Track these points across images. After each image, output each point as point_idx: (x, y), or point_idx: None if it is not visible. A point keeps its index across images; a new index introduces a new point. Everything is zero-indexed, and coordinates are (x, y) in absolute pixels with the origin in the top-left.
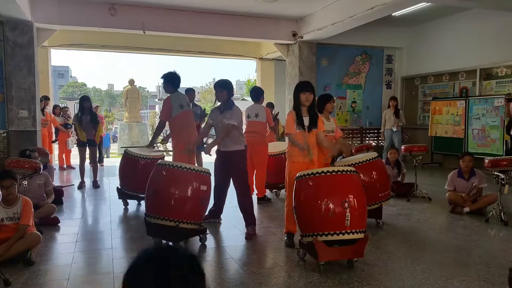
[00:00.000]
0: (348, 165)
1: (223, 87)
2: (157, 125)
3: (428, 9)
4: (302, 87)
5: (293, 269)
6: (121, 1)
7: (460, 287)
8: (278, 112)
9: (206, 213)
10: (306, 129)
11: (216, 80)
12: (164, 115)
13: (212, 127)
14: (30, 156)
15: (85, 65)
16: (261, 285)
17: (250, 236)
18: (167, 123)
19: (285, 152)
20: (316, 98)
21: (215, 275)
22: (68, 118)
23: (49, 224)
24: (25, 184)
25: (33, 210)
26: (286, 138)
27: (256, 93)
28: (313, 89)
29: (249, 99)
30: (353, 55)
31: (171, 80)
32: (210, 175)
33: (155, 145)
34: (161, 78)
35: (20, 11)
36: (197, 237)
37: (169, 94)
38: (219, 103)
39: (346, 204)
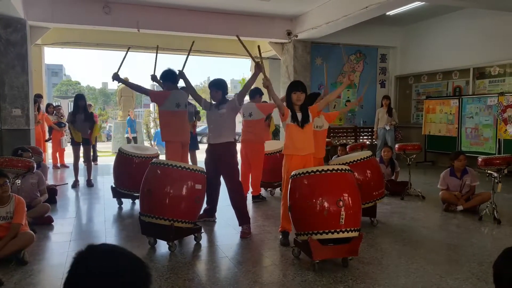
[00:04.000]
0: (343, 164)
1: (219, 88)
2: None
3: (422, 9)
4: (293, 87)
5: (288, 267)
6: None
7: (454, 284)
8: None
9: (201, 212)
10: (300, 125)
11: (211, 78)
12: (154, 93)
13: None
14: (22, 156)
15: (79, 64)
16: (256, 284)
17: (245, 235)
18: (156, 110)
19: (280, 151)
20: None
21: (210, 274)
22: (62, 117)
23: (43, 223)
24: (18, 183)
25: (26, 209)
26: (281, 137)
27: (252, 92)
28: (304, 88)
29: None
30: (347, 54)
31: (168, 77)
32: (205, 174)
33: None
34: (160, 78)
35: (13, 8)
36: (192, 236)
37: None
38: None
39: (341, 203)
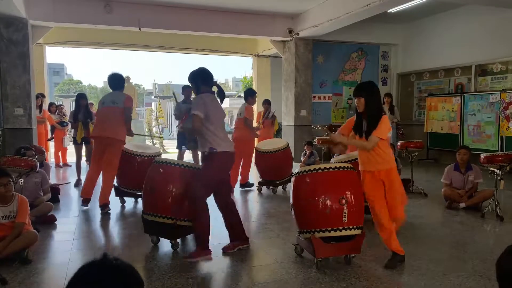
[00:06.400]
0: (345, 162)
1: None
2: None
3: (423, 6)
4: (353, 92)
5: (290, 265)
6: None
7: (456, 282)
8: (275, 110)
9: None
10: (364, 135)
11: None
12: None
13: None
14: (25, 154)
15: (81, 63)
16: (259, 282)
17: (228, 249)
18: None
19: (281, 149)
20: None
21: (212, 272)
22: (64, 116)
23: (46, 222)
24: (21, 183)
25: (29, 208)
26: (283, 136)
27: (245, 94)
28: (361, 92)
29: None
30: (349, 51)
31: (112, 80)
32: None
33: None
34: (107, 79)
35: (14, 8)
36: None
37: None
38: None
39: (343, 201)
